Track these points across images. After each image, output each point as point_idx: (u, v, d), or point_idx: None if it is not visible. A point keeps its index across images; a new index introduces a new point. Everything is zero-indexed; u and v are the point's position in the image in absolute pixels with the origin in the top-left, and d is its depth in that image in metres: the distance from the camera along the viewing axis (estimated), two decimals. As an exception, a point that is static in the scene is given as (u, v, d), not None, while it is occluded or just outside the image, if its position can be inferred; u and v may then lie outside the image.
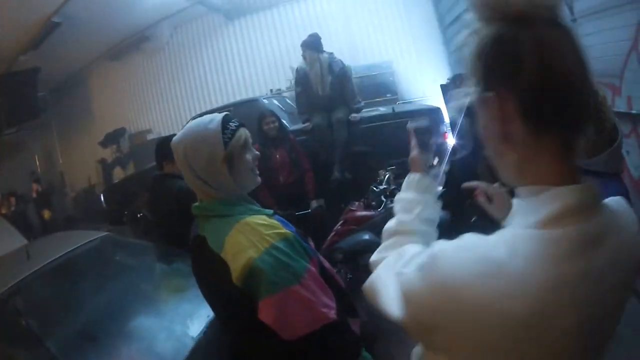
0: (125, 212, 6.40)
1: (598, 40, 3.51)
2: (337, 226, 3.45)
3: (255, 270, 1.10)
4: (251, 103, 5.58)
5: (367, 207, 3.47)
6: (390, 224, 0.99)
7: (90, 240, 2.85)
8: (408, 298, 0.67)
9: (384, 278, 0.81)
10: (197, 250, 1.28)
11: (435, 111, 5.26)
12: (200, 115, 5.92)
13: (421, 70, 8.51)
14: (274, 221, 1.26)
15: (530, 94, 0.63)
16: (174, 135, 4.29)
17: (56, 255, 2.55)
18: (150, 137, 9.40)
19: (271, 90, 8.76)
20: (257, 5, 8.94)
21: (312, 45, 4.90)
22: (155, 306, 2.47)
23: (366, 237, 3.11)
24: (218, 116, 1.31)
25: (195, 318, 2.20)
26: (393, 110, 5.27)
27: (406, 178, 1.07)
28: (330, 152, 4.85)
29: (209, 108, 9.38)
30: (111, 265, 2.89)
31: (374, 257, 0.94)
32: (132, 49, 9.40)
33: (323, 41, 8.83)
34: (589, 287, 0.59)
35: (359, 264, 2.97)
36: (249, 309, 1.12)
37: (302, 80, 4.95)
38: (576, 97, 0.64)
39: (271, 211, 1.35)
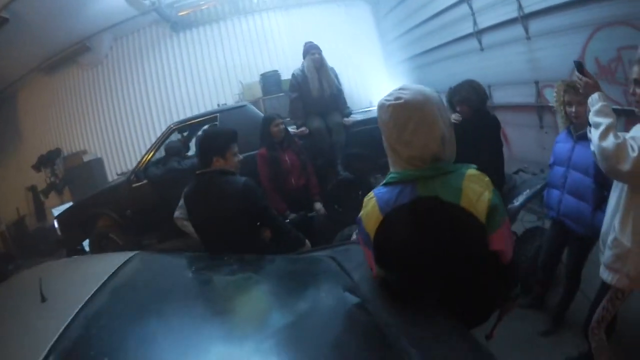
0: (89, 238, 5.72)
1: (550, 53, 4.58)
2: None
3: (493, 207, 1.30)
4: (240, 109, 5.42)
5: None
6: (604, 121, 1.93)
7: (125, 263, 2.05)
8: None
9: (630, 149, 1.80)
10: (428, 210, 1.32)
11: None
12: (176, 130, 5.50)
13: (364, 83, 9.32)
14: None
15: None
16: (222, 128, 3.90)
17: (91, 291, 1.71)
18: (86, 158, 8.61)
19: (218, 105, 8.71)
20: (205, 18, 8.91)
21: (319, 48, 5.02)
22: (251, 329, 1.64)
23: None
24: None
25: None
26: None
27: (596, 95, 2.03)
28: (328, 154, 5.04)
29: (150, 126, 9.10)
30: (169, 290, 2.00)
31: (609, 141, 1.85)
32: (68, 62, 8.66)
33: (270, 56, 9.32)
34: None
35: None
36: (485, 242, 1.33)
37: (298, 85, 5.03)
38: None
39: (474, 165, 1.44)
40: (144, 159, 5.46)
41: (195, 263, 2.41)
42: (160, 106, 9.18)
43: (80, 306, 1.57)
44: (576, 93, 2.55)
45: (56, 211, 6.94)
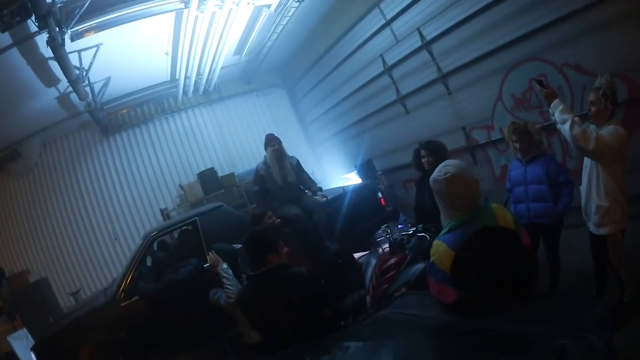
0: None
1: (471, 101, 5.61)
2: (379, 277, 3.73)
3: (515, 219, 2.03)
4: (217, 210, 5.59)
5: (393, 253, 3.84)
6: (569, 117, 2.83)
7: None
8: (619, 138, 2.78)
9: (590, 134, 2.78)
10: (484, 236, 1.92)
11: (370, 185, 6.58)
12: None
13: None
14: None
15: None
16: (264, 226, 3.83)
17: None
18: (31, 278, 7.57)
19: (161, 210, 8.48)
20: (133, 120, 8.83)
21: (278, 139, 5.39)
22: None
23: (422, 266, 3.37)
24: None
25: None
26: (344, 189, 6.14)
27: (556, 101, 2.92)
28: (313, 235, 5.13)
29: (92, 237, 8.41)
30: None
31: (576, 130, 2.78)
32: None
33: (201, 156, 9.44)
34: None
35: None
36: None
37: (261, 179, 5.33)
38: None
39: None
40: (130, 274, 5.03)
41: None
42: (100, 215, 8.52)
43: None
44: (520, 133, 3.54)
45: (12, 339, 6.03)
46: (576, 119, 2.90)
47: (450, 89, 5.84)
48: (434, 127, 6.29)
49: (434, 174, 2.01)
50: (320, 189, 5.66)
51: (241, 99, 9.94)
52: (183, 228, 5.59)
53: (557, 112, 2.91)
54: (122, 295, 4.89)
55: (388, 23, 6.43)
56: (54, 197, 8.25)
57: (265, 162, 5.35)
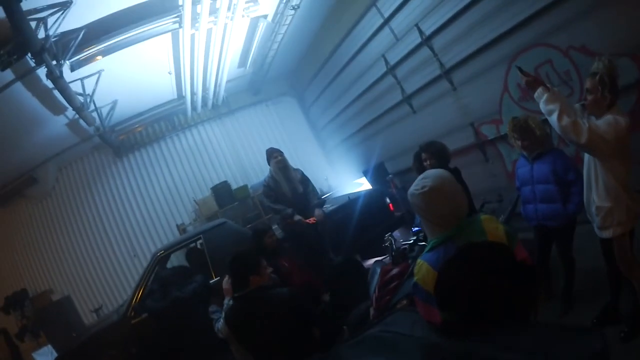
0: None
1: (477, 96, 5.36)
2: (382, 287, 3.57)
3: (508, 232, 1.80)
4: (221, 226, 5.68)
5: (395, 264, 3.68)
6: (555, 107, 2.45)
7: None
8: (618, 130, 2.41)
9: (583, 125, 2.41)
10: (469, 254, 1.75)
11: (377, 191, 6.44)
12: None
13: (312, 170, 9.71)
14: None
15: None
16: (248, 249, 3.77)
17: None
18: (55, 297, 7.89)
19: (177, 226, 8.68)
20: (144, 139, 9.01)
21: (280, 150, 5.32)
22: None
23: None
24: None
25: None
26: (349, 198, 6.15)
27: (539, 90, 2.54)
28: (317, 246, 5.08)
29: (112, 256, 8.67)
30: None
31: (564, 121, 2.42)
32: (15, 196, 8.24)
33: (214, 169, 9.52)
34: None
35: None
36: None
37: (273, 192, 5.20)
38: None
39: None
40: (139, 293, 5.18)
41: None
42: (118, 234, 8.76)
43: None
44: (520, 130, 3.28)
45: (37, 356, 6.40)
46: (577, 106, 2.62)
47: (454, 84, 5.60)
48: (441, 125, 6.06)
49: (411, 188, 1.83)
50: (322, 204, 5.49)
51: (251, 110, 9.97)
52: (189, 245, 5.71)
53: (542, 102, 2.53)
54: (132, 313, 5.05)
55: (386, 21, 6.25)
56: (72, 219, 8.54)
57: (272, 176, 5.24)
